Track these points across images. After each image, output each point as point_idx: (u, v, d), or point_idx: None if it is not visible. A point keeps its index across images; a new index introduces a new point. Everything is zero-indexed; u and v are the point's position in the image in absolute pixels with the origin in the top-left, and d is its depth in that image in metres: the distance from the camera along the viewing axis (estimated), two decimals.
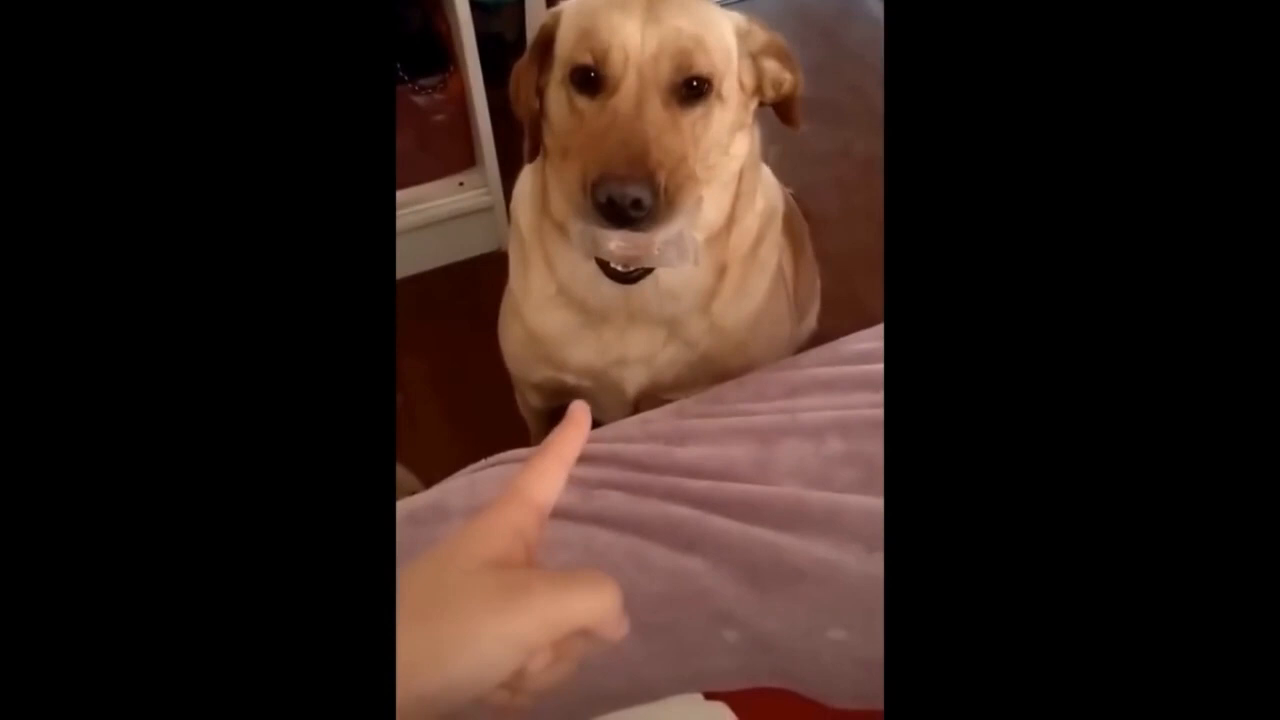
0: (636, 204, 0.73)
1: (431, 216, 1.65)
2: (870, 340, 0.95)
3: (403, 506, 0.81)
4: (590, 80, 0.79)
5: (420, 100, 1.57)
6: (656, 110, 0.77)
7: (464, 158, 1.67)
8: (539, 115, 0.87)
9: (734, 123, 0.84)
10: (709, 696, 0.70)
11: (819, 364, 0.92)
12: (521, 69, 0.86)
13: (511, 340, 1.07)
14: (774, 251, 1.00)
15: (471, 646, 0.39)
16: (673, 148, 0.77)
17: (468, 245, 1.71)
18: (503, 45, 1.99)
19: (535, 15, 2.13)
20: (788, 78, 0.87)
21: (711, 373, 0.97)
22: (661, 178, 0.74)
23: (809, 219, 1.30)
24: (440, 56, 1.58)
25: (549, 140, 0.88)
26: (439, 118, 1.60)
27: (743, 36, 0.84)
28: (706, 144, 0.81)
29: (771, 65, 0.86)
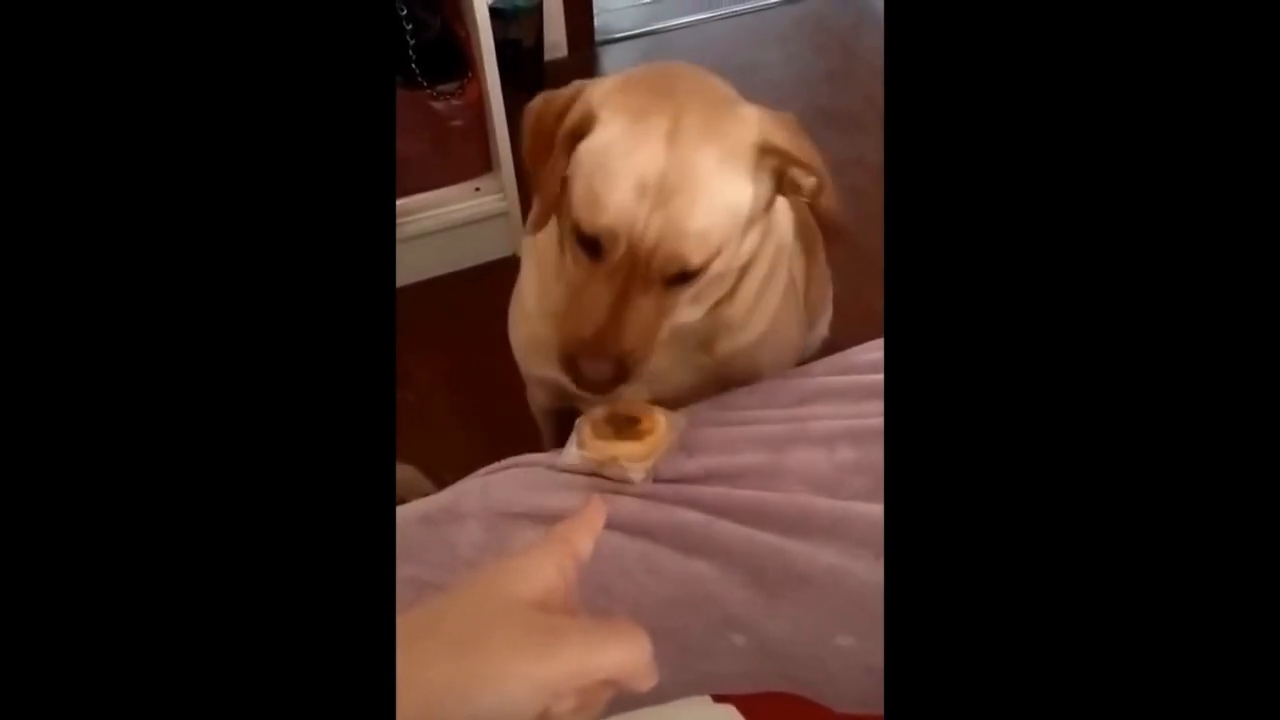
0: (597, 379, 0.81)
1: (447, 221, 1.67)
2: (882, 350, 0.95)
3: (415, 508, 0.81)
4: (590, 242, 0.79)
5: (438, 105, 1.58)
6: (640, 295, 0.79)
7: (481, 163, 1.68)
8: (560, 197, 0.83)
9: (732, 252, 0.83)
10: (718, 699, 0.71)
11: (831, 373, 0.93)
12: (555, 165, 0.81)
13: (518, 335, 1.08)
14: (782, 275, 0.98)
15: (500, 685, 0.40)
16: (648, 326, 0.80)
17: (483, 250, 1.72)
18: (520, 51, 2.00)
19: (553, 22, 2.15)
20: (809, 181, 0.83)
21: (718, 386, 0.97)
22: (628, 358, 0.80)
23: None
24: (459, 62, 1.60)
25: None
26: (456, 123, 1.61)
27: (762, 154, 0.79)
28: (689, 296, 0.83)
29: (794, 171, 0.82)
